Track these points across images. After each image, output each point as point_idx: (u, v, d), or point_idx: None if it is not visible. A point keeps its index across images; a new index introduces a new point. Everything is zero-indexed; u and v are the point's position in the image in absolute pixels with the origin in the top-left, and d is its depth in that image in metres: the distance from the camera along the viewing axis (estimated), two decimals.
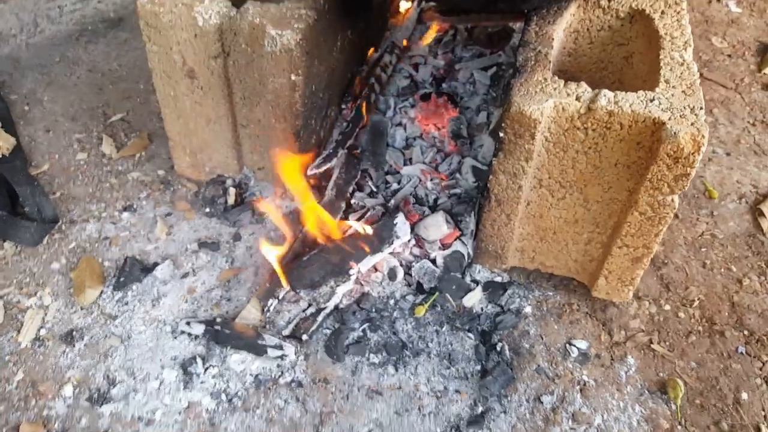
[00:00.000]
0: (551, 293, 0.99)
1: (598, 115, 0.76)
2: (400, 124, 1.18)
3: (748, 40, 1.58)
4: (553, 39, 0.89)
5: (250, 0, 0.87)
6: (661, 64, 0.83)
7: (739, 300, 1.00)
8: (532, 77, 0.80)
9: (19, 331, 0.88)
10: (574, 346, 0.92)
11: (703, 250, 1.07)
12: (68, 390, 0.83)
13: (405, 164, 1.12)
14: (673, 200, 0.79)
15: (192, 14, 0.85)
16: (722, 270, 1.04)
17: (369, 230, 0.94)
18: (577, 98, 0.77)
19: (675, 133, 0.72)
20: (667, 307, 0.99)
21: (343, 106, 1.14)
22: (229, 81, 0.94)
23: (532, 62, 0.83)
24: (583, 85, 0.79)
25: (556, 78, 0.80)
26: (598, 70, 1.04)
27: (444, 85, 1.24)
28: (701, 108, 0.76)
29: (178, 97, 0.96)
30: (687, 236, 1.09)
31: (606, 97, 0.76)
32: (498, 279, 1.00)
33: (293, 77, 0.86)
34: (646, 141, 0.77)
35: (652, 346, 0.93)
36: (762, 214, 1.13)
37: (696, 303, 0.99)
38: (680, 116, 0.75)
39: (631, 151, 0.79)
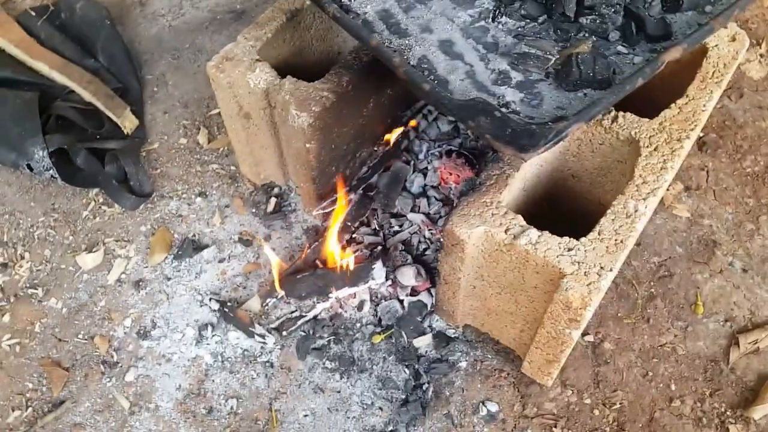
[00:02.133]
0: (490, 356, 1.16)
1: (519, 249, 0.89)
2: (424, 170, 1.35)
3: None
4: (525, 161, 0.98)
5: (289, 76, 1.09)
6: (608, 211, 0.91)
7: (659, 417, 1.08)
8: (480, 198, 0.94)
9: (109, 272, 1.29)
10: (486, 406, 1.11)
11: (655, 360, 1.14)
12: (128, 322, 1.23)
13: (412, 210, 1.30)
14: (570, 334, 0.91)
15: (246, 79, 1.10)
16: (661, 385, 1.12)
17: (351, 267, 1.18)
18: (506, 230, 0.90)
19: (566, 289, 0.84)
20: (587, 401, 1.11)
21: (376, 148, 1.34)
22: (275, 124, 1.19)
23: (491, 182, 0.96)
24: (519, 218, 0.91)
25: (501, 203, 0.93)
26: (599, 175, 1.10)
27: (473, 143, 1.36)
28: (611, 270, 0.85)
29: (238, 129, 1.24)
30: (646, 343, 1.16)
31: (528, 237, 0.89)
32: (450, 331, 1.19)
33: (308, 145, 1.09)
34: (552, 283, 0.88)
35: (554, 430, 1.08)
36: (737, 343, 1.14)
37: (616, 406, 1.10)
38: (584, 273, 0.85)
39: (546, 283, 0.91)
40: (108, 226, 1.36)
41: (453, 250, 0.96)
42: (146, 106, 1.57)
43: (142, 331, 1.21)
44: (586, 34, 0.79)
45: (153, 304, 1.25)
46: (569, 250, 0.87)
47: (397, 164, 1.33)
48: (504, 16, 0.82)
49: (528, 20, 0.81)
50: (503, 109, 0.72)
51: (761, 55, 1.56)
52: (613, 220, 0.90)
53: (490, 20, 0.83)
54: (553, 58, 0.76)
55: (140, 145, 1.48)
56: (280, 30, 1.18)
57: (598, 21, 0.78)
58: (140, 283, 1.28)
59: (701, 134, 1.43)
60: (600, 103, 0.70)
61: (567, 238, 0.88)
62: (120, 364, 1.17)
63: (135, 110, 1.51)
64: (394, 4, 0.87)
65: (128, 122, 1.46)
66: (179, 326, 1.22)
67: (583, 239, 0.88)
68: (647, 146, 0.96)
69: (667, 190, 1.34)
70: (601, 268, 0.85)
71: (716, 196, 1.34)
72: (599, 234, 0.88)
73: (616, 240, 0.88)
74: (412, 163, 1.35)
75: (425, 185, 1.32)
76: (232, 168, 1.44)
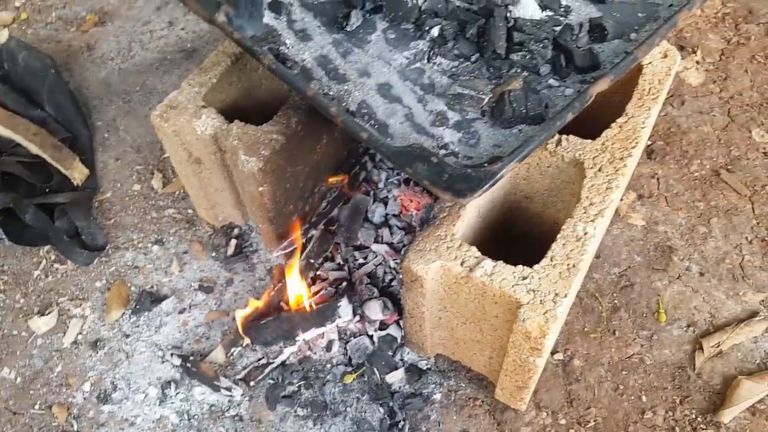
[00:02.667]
0: (464, 385, 1.16)
1: (476, 282, 0.89)
2: (384, 199, 1.34)
3: None
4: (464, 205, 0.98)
5: (237, 120, 1.08)
6: (558, 236, 0.92)
7: (633, 431, 1.09)
8: (435, 232, 0.94)
9: (65, 333, 1.25)
10: None
11: (624, 373, 1.15)
12: (87, 386, 1.18)
13: (375, 241, 1.30)
14: (535, 361, 0.91)
15: (192, 126, 1.08)
16: (632, 397, 1.13)
17: (314, 306, 1.17)
18: (462, 263, 0.90)
19: (524, 319, 0.84)
20: (563, 422, 1.11)
21: (334, 181, 1.33)
22: (228, 168, 1.17)
23: (444, 214, 0.96)
24: (473, 250, 0.91)
25: (455, 235, 0.93)
26: (551, 196, 1.12)
27: None
28: (565, 295, 0.86)
29: (190, 174, 1.21)
30: (614, 356, 1.17)
31: (483, 268, 0.89)
32: (422, 363, 1.18)
33: (260, 188, 1.07)
34: (510, 312, 0.89)
35: None
36: (701, 348, 1.16)
37: (591, 424, 1.10)
38: (540, 302, 0.85)
39: (505, 312, 0.91)
40: (61, 285, 1.32)
41: (413, 286, 0.96)
42: (97, 153, 1.53)
43: (102, 395, 1.17)
44: (518, 70, 0.80)
45: (112, 365, 1.20)
46: (524, 278, 0.87)
47: (357, 195, 1.33)
48: (439, 57, 0.83)
49: (461, 59, 0.82)
50: (442, 151, 0.72)
51: (698, 62, 1.62)
52: (563, 244, 0.91)
53: (426, 61, 0.84)
54: (487, 97, 0.77)
55: (92, 195, 1.44)
56: (226, 73, 1.17)
57: (528, 56, 0.79)
58: (98, 343, 1.23)
59: (649, 142, 1.47)
60: (532, 142, 0.71)
61: (521, 266, 0.89)
62: None
63: (85, 159, 1.47)
64: (331, 50, 0.88)
65: (77, 173, 1.42)
66: (141, 386, 1.18)
67: (536, 266, 0.89)
68: (591, 167, 0.98)
69: (621, 200, 1.37)
70: (556, 294, 0.86)
71: (668, 202, 1.37)
72: (551, 260, 0.89)
73: (568, 265, 0.88)
74: (372, 193, 1.34)
75: (387, 214, 1.32)
76: (189, 211, 1.41)
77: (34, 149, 1.43)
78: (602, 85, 0.75)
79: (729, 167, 1.42)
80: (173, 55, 1.74)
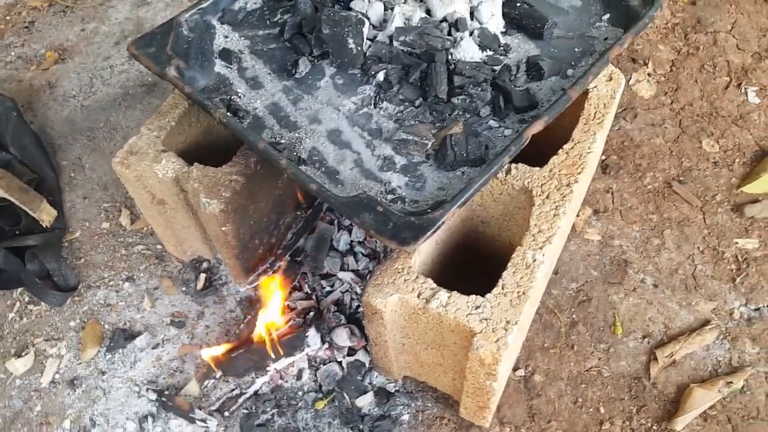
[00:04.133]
0: (431, 405, 1.20)
1: (432, 312, 0.93)
2: (348, 227, 1.38)
3: (747, 144, 1.54)
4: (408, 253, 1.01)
5: (196, 163, 1.11)
6: (509, 264, 0.96)
7: None
8: (393, 266, 0.98)
9: (42, 373, 1.27)
10: None
11: (583, 386, 1.20)
12: (66, 424, 1.21)
13: (341, 269, 1.33)
14: (491, 385, 0.96)
15: (153, 170, 1.11)
16: (591, 409, 1.18)
17: (284, 338, 1.20)
18: (419, 295, 0.95)
19: (477, 348, 0.88)
20: None
21: (299, 213, 1.36)
22: (192, 206, 1.20)
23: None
24: (429, 282, 0.95)
25: (412, 268, 0.97)
26: (505, 220, 1.16)
27: None
28: (516, 323, 0.90)
29: (155, 214, 1.24)
30: (573, 370, 1.23)
31: (438, 299, 0.93)
32: (390, 386, 1.22)
33: (223, 228, 1.11)
34: (466, 339, 0.93)
35: None
36: (655, 358, 1.22)
37: None
38: (492, 330, 0.90)
39: (462, 339, 0.95)
40: (36, 326, 1.33)
41: (374, 318, 1.00)
42: (64, 193, 1.55)
43: None
44: (460, 113, 0.84)
45: (90, 402, 1.23)
46: (477, 308, 0.92)
47: (322, 225, 1.36)
48: (385, 102, 0.87)
49: (406, 104, 0.86)
50: (390, 195, 0.76)
51: (649, 74, 1.68)
52: (514, 272, 0.95)
53: (373, 106, 0.88)
54: (430, 142, 0.81)
55: (61, 236, 1.45)
56: (184, 116, 1.20)
57: (468, 99, 0.84)
58: (75, 382, 1.25)
59: (603, 157, 1.52)
60: (471, 187, 0.75)
61: (474, 296, 0.93)
62: None
63: (52, 200, 1.49)
64: (282, 97, 0.91)
65: (45, 215, 1.44)
66: (119, 421, 1.20)
67: (488, 295, 0.93)
68: (539, 194, 1.03)
69: (577, 216, 1.42)
70: (507, 322, 0.90)
71: (623, 216, 1.42)
72: (503, 288, 0.94)
73: (518, 293, 0.93)
74: (336, 221, 1.38)
75: (351, 242, 1.36)
76: (158, 247, 1.44)
77: (0, 192, 1.44)
78: (537, 127, 0.80)
79: (681, 178, 1.48)
80: (135, 90, 1.76)
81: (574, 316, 1.29)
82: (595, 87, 1.18)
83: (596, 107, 1.15)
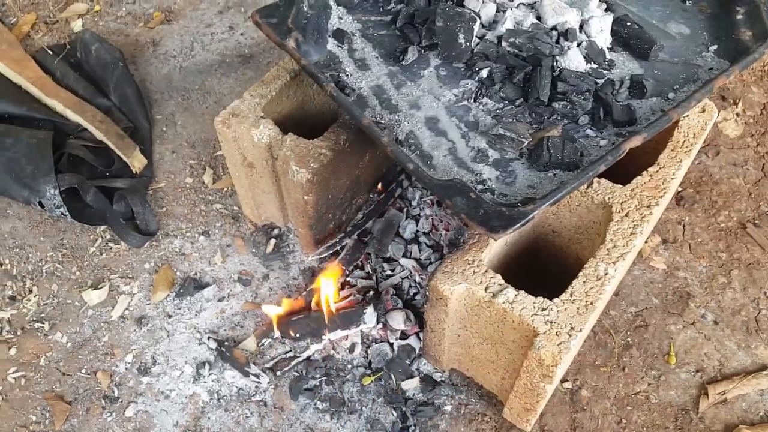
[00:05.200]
0: (474, 400, 1.23)
1: (497, 307, 0.96)
2: (416, 216, 1.42)
3: None
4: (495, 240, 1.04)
5: (290, 133, 1.17)
6: (580, 273, 0.98)
7: None
8: (463, 256, 1.01)
9: (113, 308, 1.36)
10: None
11: (628, 408, 1.20)
12: (129, 358, 1.29)
13: (404, 255, 1.37)
14: (545, 387, 0.98)
15: (250, 134, 1.18)
16: None
17: (342, 311, 1.25)
18: (486, 288, 0.97)
19: (539, 347, 0.91)
20: None
21: (372, 195, 1.41)
22: (277, 174, 1.27)
23: (474, 240, 1.03)
24: (498, 277, 0.98)
25: (483, 261, 1.00)
26: (577, 233, 1.18)
27: None
28: (581, 330, 0.92)
29: (242, 176, 1.31)
30: (621, 391, 1.23)
31: (506, 295, 0.96)
32: (437, 375, 1.25)
33: (305, 197, 1.17)
34: (527, 339, 0.95)
35: None
36: (706, 393, 1.21)
37: None
38: (556, 333, 0.92)
39: (522, 338, 0.98)
40: (113, 263, 1.43)
41: (437, 304, 1.03)
42: (155, 145, 1.65)
43: (142, 368, 1.28)
44: (558, 118, 0.87)
45: (154, 341, 1.31)
46: (543, 309, 0.94)
47: (391, 211, 1.41)
48: (485, 97, 0.90)
49: (506, 102, 0.90)
50: (480, 186, 0.79)
51: (737, 114, 1.65)
52: (584, 282, 0.97)
53: (473, 100, 0.91)
54: (527, 141, 0.84)
55: (148, 183, 1.55)
56: (284, 88, 1.26)
57: (569, 106, 0.86)
58: (142, 320, 1.34)
59: (680, 189, 1.51)
60: (565, 188, 0.78)
61: (541, 298, 0.95)
62: (120, 400, 1.24)
63: (144, 149, 1.59)
64: (386, 81, 0.96)
65: (137, 162, 1.54)
66: (178, 363, 1.28)
67: (556, 300, 0.95)
68: (619, 211, 1.04)
69: (646, 242, 1.42)
70: (572, 328, 0.92)
71: (691, 250, 1.41)
72: (571, 295, 0.95)
73: (586, 302, 0.95)
74: (405, 210, 1.42)
75: (417, 231, 1.40)
76: (235, 208, 1.51)
77: (99, 135, 1.56)
78: (635, 142, 0.82)
79: (756, 221, 1.45)
80: (231, 59, 1.85)
81: (629, 339, 1.28)
82: (687, 116, 1.18)
83: (686, 136, 1.15)
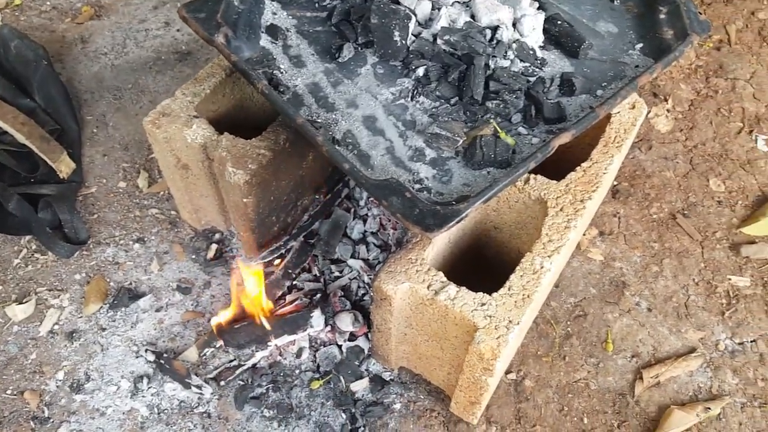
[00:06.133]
0: (423, 397, 1.23)
1: (440, 304, 0.97)
2: (364, 216, 1.41)
3: (751, 188, 1.59)
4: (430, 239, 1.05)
5: (226, 133, 1.13)
6: (517, 268, 1.00)
7: None
8: (406, 255, 1.01)
9: (41, 322, 1.28)
10: None
11: (570, 396, 1.24)
12: (60, 375, 1.22)
13: (352, 256, 1.36)
14: (486, 380, 0.99)
15: (183, 134, 1.14)
16: (575, 419, 1.21)
17: (288, 315, 1.23)
18: (428, 286, 0.98)
19: (479, 342, 0.92)
20: None
21: (317, 196, 1.39)
22: (215, 176, 1.23)
23: (417, 239, 1.03)
24: (440, 275, 0.98)
25: (425, 260, 1.00)
26: (517, 228, 1.20)
27: None
28: (518, 323, 0.94)
29: (177, 179, 1.26)
30: (563, 379, 1.26)
31: (447, 292, 0.96)
32: (386, 374, 1.25)
33: (245, 200, 1.13)
34: (468, 334, 0.96)
35: None
36: (641, 378, 1.26)
37: None
38: (494, 327, 0.93)
39: (464, 334, 0.99)
40: (41, 275, 1.35)
41: (382, 304, 1.02)
42: (85, 147, 1.56)
43: (75, 385, 1.21)
44: (492, 116, 0.88)
45: (87, 356, 1.24)
46: (482, 305, 0.95)
47: (338, 211, 1.39)
48: (421, 96, 0.90)
49: (442, 101, 0.90)
50: (417, 185, 0.79)
51: (668, 110, 1.73)
52: (521, 276, 0.99)
53: (410, 99, 0.91)
54: (461, 140, 0.84)
55: (77, 189, 1.47)
56: (219, 85, 1.22)
57: (502, 105, 0.87)
58: (74, 335, 1.27)
59: (615, 183, 1.57)
60: (496, 185, 0.79)
61: (481, 293, 0.96)
62: (52, 420, 1.16)
63: (72, 153, 1.50)
64: (323, 78, 0.94)
65: (64, 166, 1.46)
66: (114, 378, 1.22)
67: (494, 294, 0.96)
68: (554, 206, 1.06)
69: (584, 235, 1.46)
70: (510, 321, 0.94)
71: (626, 241, 1.47)
72: (509, 289, 0.97)
73: (523, 295, 0.96)
74: (352, 210, 1.41)
75: (365, 231, 1.39)
76: (173, 213, 1.46)
77: (21, 139, 1.46)
78: (564, 139, 0.84)
79: (685, 212, 1.53)
80: (167, 56, 1.78)
81: (569, 328, 1.32)
82: (618, 113, 1.22)
83: (617, 131, 1.19)
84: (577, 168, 1.13)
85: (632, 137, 1.22)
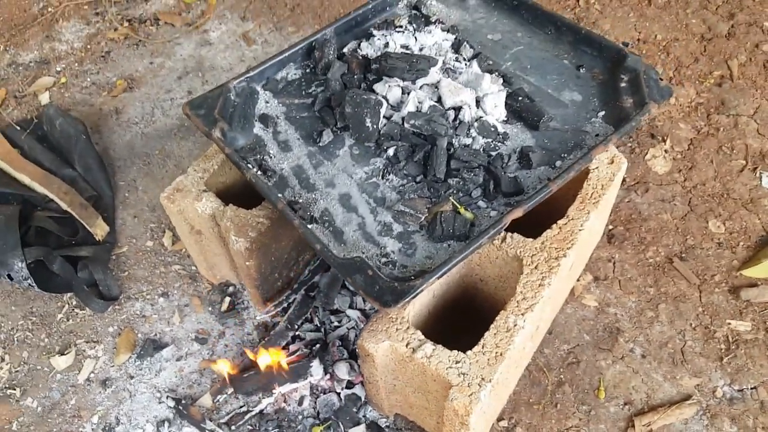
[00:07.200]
0: None
1: (417, 361, 1.05)
2: None
3: (753, 228, 1.59)
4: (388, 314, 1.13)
5: (231, 204, 1.27)
6: (491, 325, 1.07)
7: None
8: (388, 314, 1.10)
9: (80, 371, 1.44)
10: None
11: None
12: (95, 419, 1.37)
13: (350, 307, 1.46)
14: None
15: (194, 207, 1.28)
16: None
17: (291, 366, 1.34)
18: (407, 344, 1.06)
19: (452, 399, 0.99)
20: None
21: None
22: (224, 239, 1.36)
23: None
24: (418, 333, 1.07)
25: (404, 318, 1.09)
26: (500, 281, 1.27)
27: None
28: (490, 381, 1.00)
29: (192, 242, 1.41)
30: (554, 427, 1.30)
31: (424, 350, 1.04)
32: (382, 421, 1.33)
33: (247, 263, 1.26)
34: (445, 390, 1.03)
35: None
36: (633, 426, 1.28)
37: None
38: (468, 384, 1.00)
39: (442, 389, 1.06)
40: (79, 328, 1.52)
41: (366, 360, 1.12)
42: (118, 210, 1.74)
43: (107, 428, 1.35)
44: (453, 192, 0.97)
45: (118, 402, 1.39)
46: (457, 362, 1.03)
47: None
48: (391, 174, 1.00)
49: (409, 178, 0.99)
50: (383, 259, 0.89)
51: (666, 151, 1.75)
52: (495, 334, 1.06)
53: (381, 177, 1.01)
54: (423, 216, 0.94)
55: (110, 249, 1.65)
56: (226, 161, 1.37)
57: (461, 182, 0.96)
58: (107, 382, 1.42)
59: (610, 227, 1.60)
60: (452, 261, 0.87)
61: (456, 351, 1.04)
62: None
63: (106, 216, 1.69)
64: (306, 161, 1.06)
65: (99, 230, 1.64)
66: (140, 422, 1.36)
67: (468, 352, 1.04)
68: (529, 264, 1.13)
69: (578, 280, 1.51)
70: (482, 379, 1.01)
71: (621, 286, 1.50)
72: (483, 347, 1.04)
73: (496, 353, 1.03)
74: None
75: None
76: (193, 268, 1.60)
77: (64, 206, 1.66)
78: (516, 214, 0.91)
79: (683, 255, 1.54)
80: (190, 123, 1.96)
81: (561, 376, 1.37)
82: (597, 168, 1.28)
83: (594, 187, 1.25)
84: (553, 225, 1.19)
85: (612, 191, 1.27)
